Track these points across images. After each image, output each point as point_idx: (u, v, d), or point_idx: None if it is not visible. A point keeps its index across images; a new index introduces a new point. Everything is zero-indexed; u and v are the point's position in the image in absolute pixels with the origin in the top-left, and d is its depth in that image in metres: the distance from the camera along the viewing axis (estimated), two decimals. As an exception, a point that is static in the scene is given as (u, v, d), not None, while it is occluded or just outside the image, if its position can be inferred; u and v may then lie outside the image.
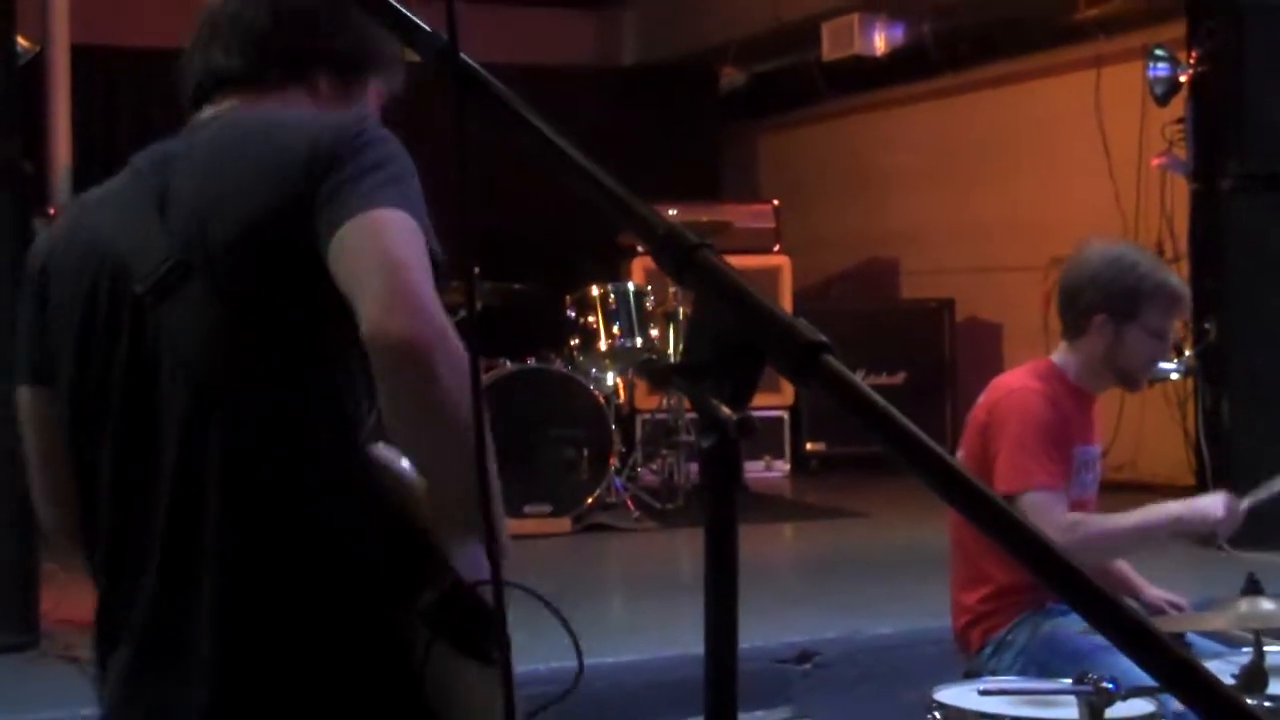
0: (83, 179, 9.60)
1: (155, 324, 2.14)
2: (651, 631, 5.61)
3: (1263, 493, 4.13)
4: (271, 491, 2.09)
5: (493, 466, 1.91)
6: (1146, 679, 3.34)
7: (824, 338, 1.13)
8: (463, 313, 7.67)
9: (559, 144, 1.29)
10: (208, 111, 2.33)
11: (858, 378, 1.13)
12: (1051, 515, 3.99)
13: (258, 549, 2.09)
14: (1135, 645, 1.06)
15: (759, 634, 5.13)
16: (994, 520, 1.10)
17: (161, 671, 2.15)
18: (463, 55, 1.35)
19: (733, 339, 1.18)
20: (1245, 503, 4.12)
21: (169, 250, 2.14)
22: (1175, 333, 6.74)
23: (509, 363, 7.96)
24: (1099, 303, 4.22)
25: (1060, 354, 4.32)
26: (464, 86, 1.34)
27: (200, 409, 2.10)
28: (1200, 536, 4.23)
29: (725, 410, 1.16)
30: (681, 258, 1.20)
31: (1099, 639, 3.82)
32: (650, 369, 8.47)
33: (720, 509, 1.19)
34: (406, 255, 2.01)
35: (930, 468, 1.10)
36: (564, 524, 7.77)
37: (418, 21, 1.43)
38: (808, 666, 5.25)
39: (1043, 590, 4.12)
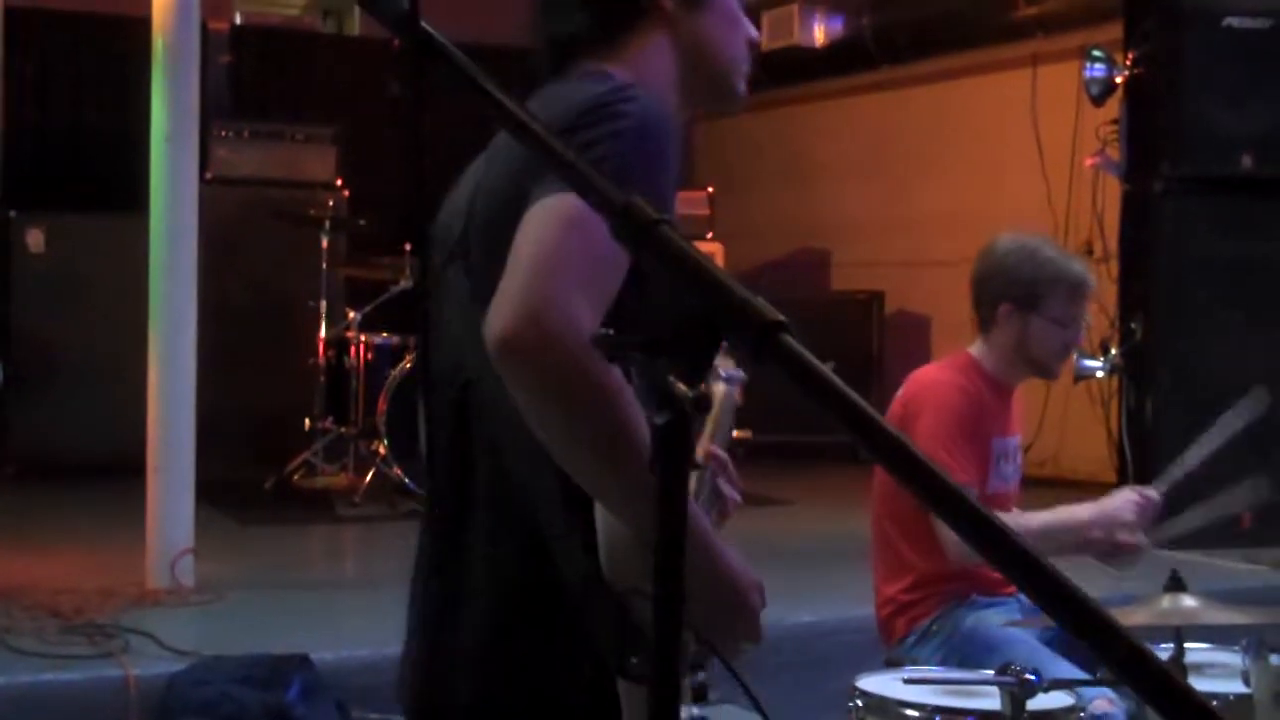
0: (14, 146, 9.49)
1: (440, 298, 2.13)
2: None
3: (1174, 472, 4.15)
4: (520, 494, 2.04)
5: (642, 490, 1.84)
6: (1068, 671, 3.37)
7: (781, 316, 1.13)
8: (399, 287, 7.54)
9: (519, 115, 1.29)
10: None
11: (813, 356, 1.13)
12: None
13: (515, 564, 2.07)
14: (1085, 628, 1.06)
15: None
16: (948, 504, 1.10)
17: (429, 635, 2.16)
18: (424, 23, 1.34)
19: (690, 316, 1.17)
20: (1158, 490, 4.15)
21: (461, 224, 2.12)
22: (1105, 334, 6.81)
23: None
24: (1003, 292, 4.25)
25: (977, 346, 4.34)
26: (423, 54, 1.33)
27: (459, 392, 2.06)
28: (1119, 563, 4.22)
29: (681, 386, 1.16)
30: (641, 231, 1.19)
31: (1021, 632, 3.87)
32: (605, 341, 8.41)
33: (672, 484, 1.18)
34: (551, 249, 1.86)
35: (882, 447, 1.10)
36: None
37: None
38: (730, 652, 5.25)
39: (963, 579, 4.15)
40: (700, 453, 2.28)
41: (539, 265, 1.85)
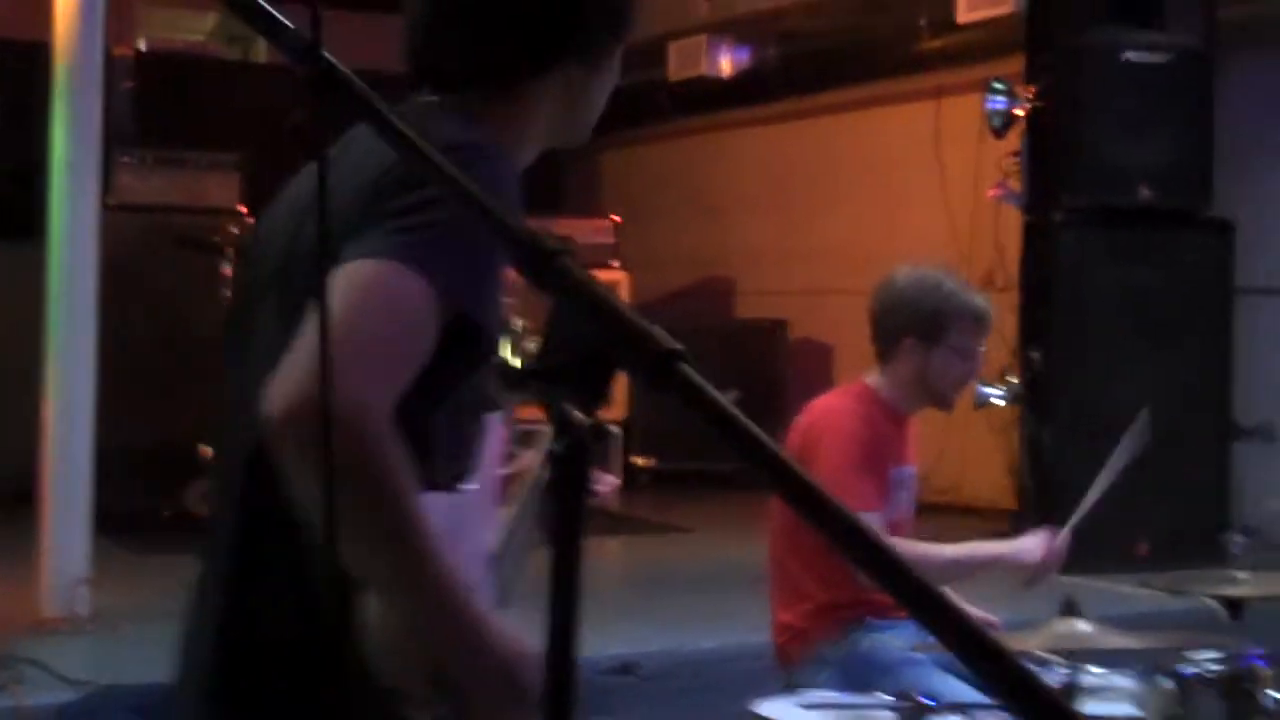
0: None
1: (250, 325, 2.09)
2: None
3: (1082, 509, 4.22)
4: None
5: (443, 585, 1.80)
6: (962, 696, 3.42)
7: (679, 346, 1.14)
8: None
9: (420, 146, 1.30)
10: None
11: (710, 386, 1.14)
12: None
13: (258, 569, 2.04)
14: (976, 656, 1.08)
15: (582, 646, 5.13)
16: (840, 530, 1.11)
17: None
18: (326, 55, 1.35)
19: (589, 345, 1.18)
20: (1066, 529, 4.21)
21: (282, 247, 2.05)
22: (1005, 363, 6.90)
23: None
24: (906, 325, 4.30)
25: (873, 377, 4.38)
26: (325, 87, 1.34)
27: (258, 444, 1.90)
28: (1024, 578, 4.28)
29: (579, 415, 1.17)
30: (541, 262, 1.21)
31: (916, 656, 3.90)
32: (505, 372, 8.40)
33: (569, 514, 1.19)
34: (346, 324, 1.78)
35: (780, 477, 1.11)
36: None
37: (282, 19, 1.42)
38: (630, 679, 5.26)
39: (860, 605, 4.18)
40: (530, 462, 2.27)
41: (332, 340, 1.73)
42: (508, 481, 2.31)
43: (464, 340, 1.92)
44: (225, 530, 2.06)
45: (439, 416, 1.99)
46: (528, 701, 1.95)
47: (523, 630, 1.96)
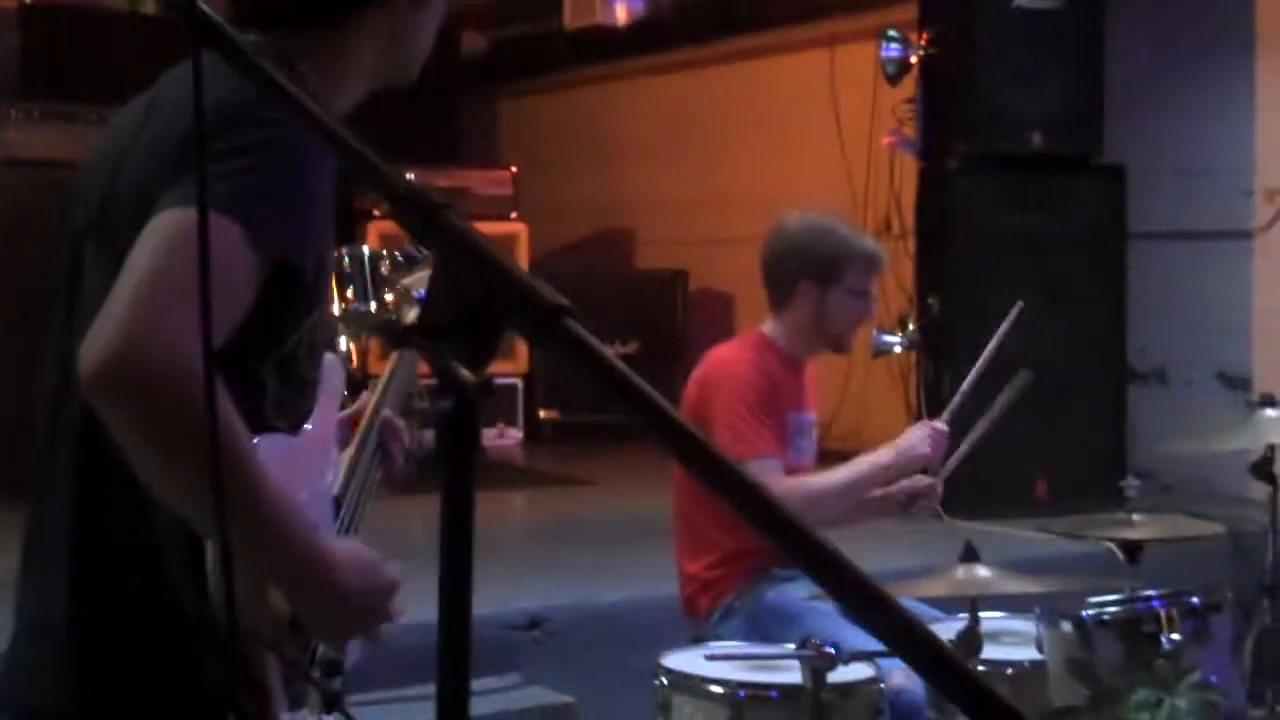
0: None
1: (75, 271, 2.08)
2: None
3: (955, 458, 4.28)
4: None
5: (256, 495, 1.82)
6: (867, 644, 3.44)
7: (565, 301, 1.13)
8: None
9: (300, 99, 1.27)
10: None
11: (595, 340, 1.13)
12: (769, 482, 4.07)
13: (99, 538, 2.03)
14: (863, 608, 1.08)
15: (488, 601, 5.12)
16: (729, 484, 1.11)
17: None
18: (202, 6, 1.32)
19: (474, 301, 1.17)
20: (944, 420, 4.26)
21: (100, 194, 2.03)
22: (903, 309, 6.94)
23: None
24: (801, 269, 4.32)
25: (769, 324, 4.40)
26: (202, 38, 1.31)
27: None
28: (919, 510, 4.32)
29: (464, 372, 1.15)
30: (425, 218, 1.19)
31: (822, 605, 3.92)
32: (388, 328, 8.35)
33: (458, 472, 1.18)
34: (163, 273, 1.78)
35: (667, 432, 1.11)
36: (293, 489, 7.65)
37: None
38: (537, 633, 5.26)
39: (767, 556, 4.19)
40: (370, 412, 2.32)
41: (146, 292, 1.78)
42: (347, 423, 2.35)
43: (287, 285, 1.93)
44: (63, 489, 2.04)
45: (271, 362, 2.00)
46: (372, 621, 2.04)
47: (362, 550, 2.03)
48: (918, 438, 4.27)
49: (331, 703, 2.10)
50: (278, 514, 1.88)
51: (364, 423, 2.37)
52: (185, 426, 1.74)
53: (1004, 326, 4.39)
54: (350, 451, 2.35)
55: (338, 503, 2.24)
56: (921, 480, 4.29)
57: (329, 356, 2.22)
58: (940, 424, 4.29)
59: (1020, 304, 4.41)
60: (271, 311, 1.92)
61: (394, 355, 2.47)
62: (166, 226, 1.83)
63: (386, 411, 2.40)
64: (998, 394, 4.28)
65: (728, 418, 4.13)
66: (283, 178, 1.90)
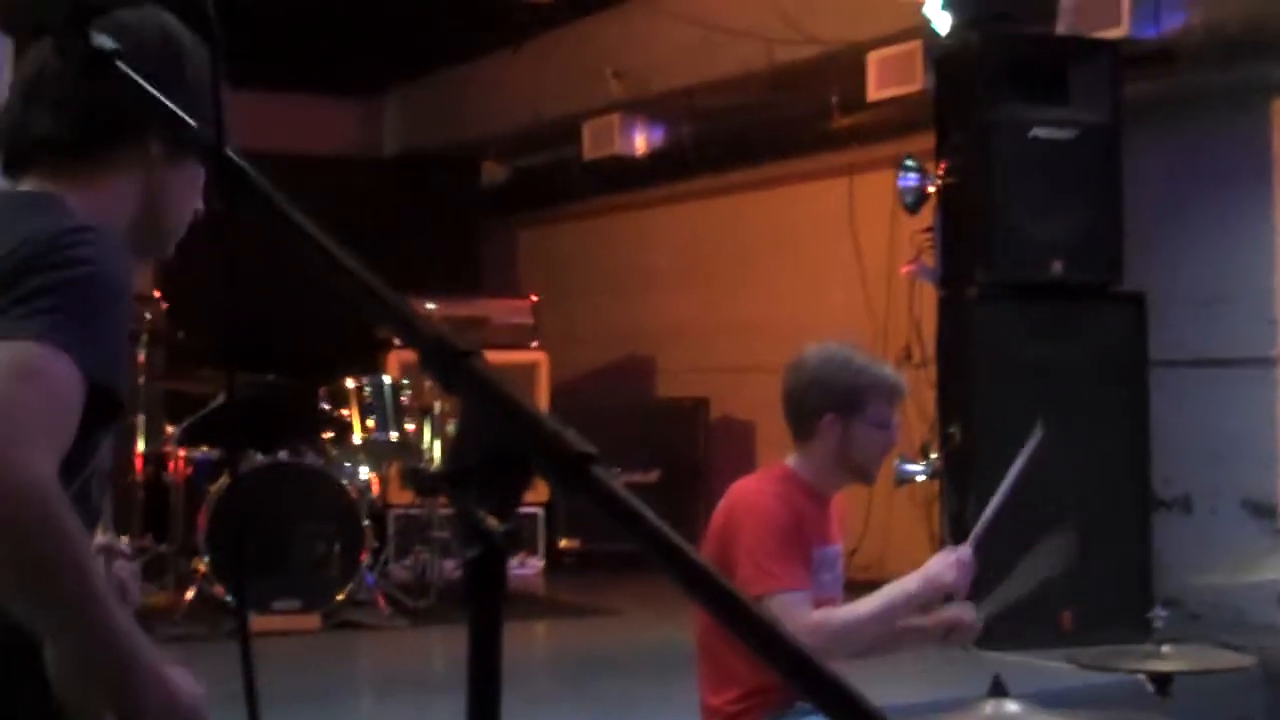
0: None
1: None
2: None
3: (981, 524, 4.26)
4: None
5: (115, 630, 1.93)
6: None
7: (591, 448, 1.13)
8: (217, 401, 7.42)
9: (328, 247, 1.27)
10: (25, 184, 2.20)
11: (623, 488, 1.13)
12: (797, 616, 4.03)
13: None
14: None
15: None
16: (749, 628, 1.10)
17: None
18: (229, 152, 1.33)
19: (500, 448, 1.16)
20: (968, 544, 4.23)
21: None
22: (925, 438, 6.92)
23: (260, 455, 7.82)
24: (824, 402, 4.30)
25: (793, 458, 4.37)
26: (232, 186, 1.32)
27: None
28: (950, 639, 4.29)
29: (492, 520, 1.15)
30: (449, 365, 1.19)
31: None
32: (417, 477, 8.39)
33: (484, 620, 1.17)
34: (9, 407, 1.89)
35: (697, 583, 1.10)
36: (313, 620, 7.63)
37: (182, 115, 1.40)
38: (560, 766, 5.22)
39: (790, 691, 4.15)
40: (95, 546, 2.36)
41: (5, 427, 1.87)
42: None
43: (97, 407, 2.02)
44: None
45: (72, 491, 2.06)
46: None
47: (186, 675, 2.13)
48: (943, 566, 4.24)
49: None
50: (122, 628, 1.98)
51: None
52: (50, 547, 1.86)
53: (1025, 452, 4.38)
54: None
55: None
56: (964, 616, 4.25)
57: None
58: (965, 550, 4.25)
59: (1040, 429, 4.40)
60: (82, 437, 2.01)
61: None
62: (6, 361, 1.92)
63: (107, 537, 2.47)
64: (1014, 458, 4.30)
65: (753, 552, 4.10)
66: (100, 311, 2.00)
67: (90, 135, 2.20)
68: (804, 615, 4.08)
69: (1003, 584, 4.27)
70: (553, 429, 1.14)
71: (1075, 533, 4.31)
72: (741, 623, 1.12)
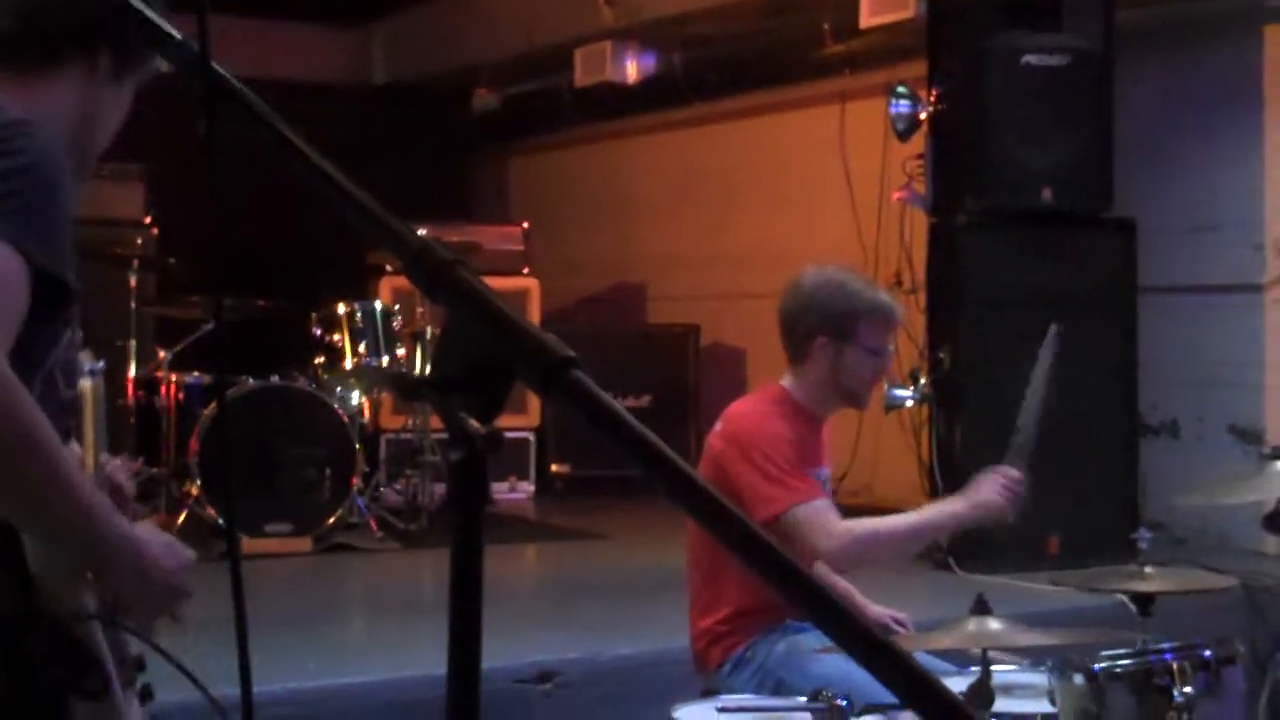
0: None
1: None
2: (392, 652, 5.58)
3: (1019, 440, 4.26)
4: None
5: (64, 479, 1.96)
6: (880, 697, 3.43)
7: (572, 353, 1.15)
8: (208, 326, 7.44)
9: (313, 158, 1.29)
10: None
11: (603, 392, 1.15)
12: (828, 523, 4.08)
13: None
14: (873, 659, 1.09)
15: (500, 654, 5.13)
16: (737, 535, 1.12)
17: None
18: (215, 65, 1.34)
19: (483, 354, 1.18)
20: (1017, 467, 4.22)
21: None
22: (915, 364, 6.95)
23: (251, 379, 7.84)
24: (817, 326, 4.32)
25: (787, 380, 4.39)
26: (216, 97, 1.33)
27: None
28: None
29: (474, 424, 1.17)
30: (435, 273, 1.21)
31: (834, 657, 3.92)
32: (400, 381, 8.42)
33: (467, 523, 1.19)
34: None
35: (675, 483, 1.12)
36: (304, 544, 7.66)
37: (169, 29, 1.42)
38: (548, 686, 5.25)
39: (779, 609, 4.19)
40: (89, 460, 2.41)
41: None
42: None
43: (50, 300, 2.07)
44: None
45: (37, 383, 2.11)
46: (181, 596, 2.19)
47: (157, 530, 2.20)
48: (991, 488, 4.23)
49: (148, 695, 2.24)
50: (88, 501, 2.03)
51: (88, 459, 2.46)
52: (11, 436, 1.91)
53: (1045, 353, 4.35)
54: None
55: None
56: (994, 493, 4.23)
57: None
58: (1010, 470, 4.24)
59: (1055, 329, 4.37)
60: (38, 327, 2.06)
61: (88, 384, 2.59)
62: None
63: (104, 454, 2.51)
64: (1034, 363, 4.30)
65: (766, 470, 4.12)
66: (41, 198, 2.04)
67: (43, 34, 2.22)
68: (834, 522, 4.12)
69: (1020, 417, 4.27)
70: (536, 334, 1.16)
71: (1057, 326, 4.32)
72: (722, 526, 1.14)
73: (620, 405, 1.15)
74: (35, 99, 2.22)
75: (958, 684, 3.60)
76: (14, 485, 1.96)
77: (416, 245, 1.23)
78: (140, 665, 2.24)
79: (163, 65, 1.41)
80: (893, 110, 7.59)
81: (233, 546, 1.51)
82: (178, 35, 1.39)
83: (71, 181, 2.14)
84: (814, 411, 4.38)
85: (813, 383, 4.35)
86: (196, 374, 8.22)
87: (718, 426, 4.36)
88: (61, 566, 2.05)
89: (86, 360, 2.64)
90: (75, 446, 2.27)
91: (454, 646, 1.21)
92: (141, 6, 1.44)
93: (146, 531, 2.18)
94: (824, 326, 4.31)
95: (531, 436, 9.90)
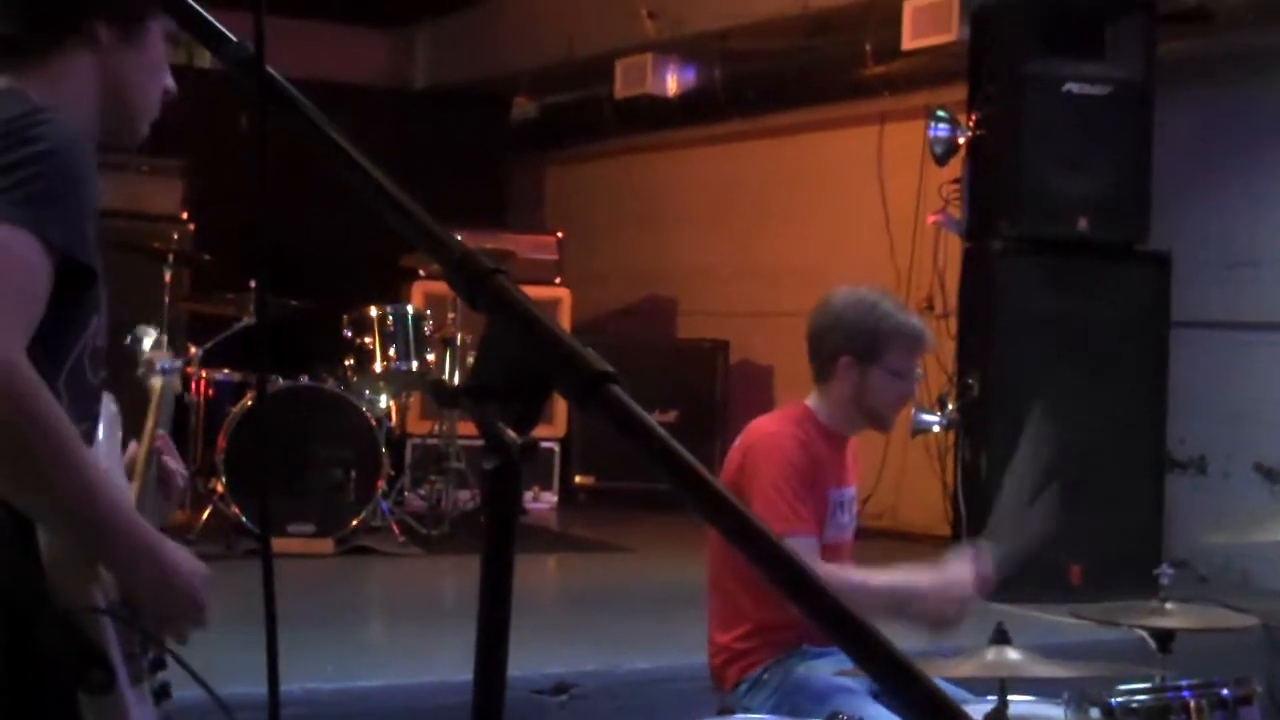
0: None
1: None
2: (410, 657, 5.58)
3: (998, 528, 4.22)
4: None
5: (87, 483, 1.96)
6: (894, 721, 3.38)
7: (610, 368, 1.15)
8: (242, 324, 7.45)
9: (360, 161, 1.30)
10: None
11: (639, 408, 1.15)
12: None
13: None
14: (894, 680, 1.09)
15: (517, 664, 5.02)
16: (764, 553, 1.12)
17: None
18: (269, 69, 1.35)
19: (521, 364, 1.19)
20: (986, 546, 4.19)
21: None
22: (943, 389, 6.93)
23: (281, 379, 7.87)
24: (842, 345, 4.30)
25: (812, 398, 4.38)
26: (267, 99, 1.34)
27: None
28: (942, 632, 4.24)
29: (510, 433, 1.18)
30: (476, 281, 1.21)
31: (852, 682, 3.92)
32: (437, 388, 8.42)
33: (499, 532, 1.20)
34: None
35: (707, 501, 1.12)
36: (327, 545, 7.68)
37: (222, 29, 1.43)
38: (564, 698, 5.26)
39: (798, 631, 4.18)
40: (145, 443, 2.41)
41: None
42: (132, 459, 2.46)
43: (76, 285, 2.07)
44: None
45: (64, 371, 2.13)
46: (200, 611, 2.17)
47: (179, 547, 2.17)
48: (963, 577, 4.20)
49: (164, 694, 2.22)
50: (111, 501, 2.03)
51: (142, 452, 2.46)
52: (26, 430, 1.91)
53: (1026, 441, 4.32)
54: (136, 484, 2.45)
55: None
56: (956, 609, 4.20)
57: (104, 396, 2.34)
58: (985, 562, 4.20)
59: (1039, 413, 4.35)
60: (63, 314, 2.06)
61: (158, 381, 2.61)
62: None
63: (161, 432, 2.52)
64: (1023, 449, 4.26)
65: (766, 493, 4.12)
66: (61, 185, 2.04)
67: (36, 27, 2.23)
68: (814, 564, 4.10)
69: (996, 514, 4.25)
70: (573, 347, 1.16)
71: (1039, 408, 4.30)
72: (751, 546, 1.15)
73: (654, 421, 1.15)
74: (57, 86, 2.24)
75: (975, 712, 3.59)
76: (25, 476, 1.96)
77: (459, 252, 1.24)
78: (160, 664, 2.24)
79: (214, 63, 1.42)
80: (931, 134, 7.59)
81: (265, 549, 1.50)
82: (231, 36, 1.40)
83: (94, 167, 2.14)
84: (837, 431, 4.37)
85: (836, 402, 4.34)
86: (227, 371, 8.25)
87: (739, 440, 4.36)
88: (74, 560, 2.05)
89: (164, 358, 2.66)
90: (100, 436, 2.28)
91: (480, 655, 1.21)
92: (193, 3, 1.45)
93: (162, 536, 2.17)
94: (849, 346, 4.30)
95: (556, 447, 9.91)
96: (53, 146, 2.06)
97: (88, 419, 2.22)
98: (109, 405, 2.37)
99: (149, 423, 2.62)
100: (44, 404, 1.94)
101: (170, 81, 2.39)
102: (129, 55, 2.30)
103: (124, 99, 2.33)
